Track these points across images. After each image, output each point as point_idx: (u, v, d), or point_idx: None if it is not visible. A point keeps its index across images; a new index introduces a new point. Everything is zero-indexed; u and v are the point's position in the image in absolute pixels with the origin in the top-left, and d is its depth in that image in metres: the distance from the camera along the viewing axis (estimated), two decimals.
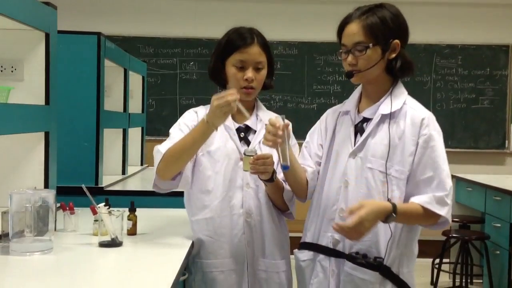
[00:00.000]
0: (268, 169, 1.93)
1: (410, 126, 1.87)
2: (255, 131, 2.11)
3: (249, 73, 2.03)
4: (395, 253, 1.86)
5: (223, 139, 2.07)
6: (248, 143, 2.09)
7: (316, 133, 2.08)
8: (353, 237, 1.77)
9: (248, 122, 2.12)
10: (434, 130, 1.87)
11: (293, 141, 2.12)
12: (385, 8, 1.88)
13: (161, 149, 1.98)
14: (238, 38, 2.05)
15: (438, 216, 1.84)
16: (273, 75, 2.15)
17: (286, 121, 1.88)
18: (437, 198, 1.83)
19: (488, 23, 6.30)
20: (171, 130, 2.09)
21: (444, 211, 1.84)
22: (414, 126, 1.86)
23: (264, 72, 2.08)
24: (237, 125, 2.11)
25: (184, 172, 2.04)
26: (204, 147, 2.05)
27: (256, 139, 2.09)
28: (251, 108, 2.16)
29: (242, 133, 2.11)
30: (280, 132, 1.84)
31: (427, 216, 1.84)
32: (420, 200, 1.83)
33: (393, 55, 1.89)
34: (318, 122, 2.11)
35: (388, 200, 1.82)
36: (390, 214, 1.76)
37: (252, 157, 1.90)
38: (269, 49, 2.10)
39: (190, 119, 2.10)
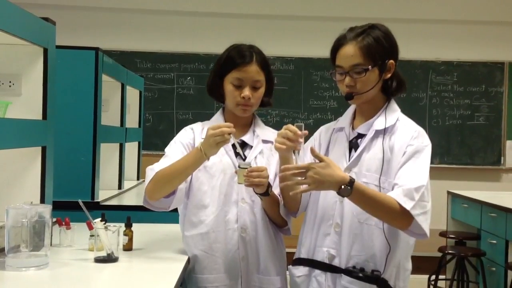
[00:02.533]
0: (263, 182, 1.92)
1: (401, 139, 1.88)
2: (251, 147, 2.12)
3: (246, 92, 2.04)
4: (392, 266, 1.86)
5: (219, 154, 2.06)
6: (243, 159, 2.09)
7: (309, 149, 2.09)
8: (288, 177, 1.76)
9: (244, 138, 2.13)
10: (423, 143, 1.87)
11: None
12: (377, 29, 1.90)
13: (155, 168, 1.99)
14: (237, 56, 2.05)
15: (407, 213, 1.74)
16: (272, 93, 2.15)
17: (305, 131, 1.88)
18: (406, 190, 1.76)
19: (484, 40, 6.36)
20: (166, 149, 2.10)
21: (410, 205, 1.73)
22: (404, 139, 1.88)
23: (261, 91, 2.08)
24: (233, 141, 2.12)
25: (178, 192, 2.03)
26: None
27: (252, 155, 2.10)
28: (249, 123, 2.17)
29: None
30: (301, 140, 1.85)
31: (393, 210, 1.74)
32: (390, 192, 1.78)
33: (388, 75, 1.92)
34: (311, 139, 2.11)
35: None
36: (345, 185, 1.71)
37: (246, 170, 1.91)
38: (268, 67, 2.10)
39: (186, 137, 2.11)
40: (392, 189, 1.81)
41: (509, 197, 4.83)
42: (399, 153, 1.86)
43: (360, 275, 1.84)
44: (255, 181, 1.91)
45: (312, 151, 1.76)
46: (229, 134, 1.87)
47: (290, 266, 2.06)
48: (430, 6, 6.34)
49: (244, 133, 2.13)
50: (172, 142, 2.12)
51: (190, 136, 2.11)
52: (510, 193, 5.25)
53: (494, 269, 4.30)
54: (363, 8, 6.19)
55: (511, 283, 3.85)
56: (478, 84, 6.37)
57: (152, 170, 2.00)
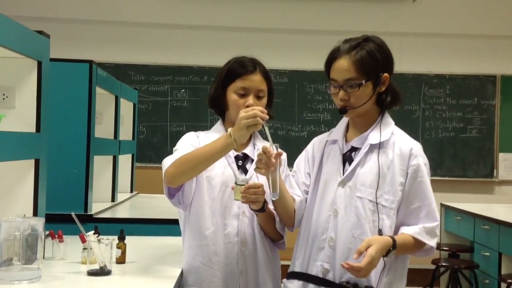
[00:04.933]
0: (259, 199, 1.92)
1: (399, 156, 1.89)
2: (253, 160, 2.09)
3: (250, 100, 2.03)
4: (386, 281, 1.86)
5: (221, 166, 2.06)
6: (245, 171, 2.09)
7: (303, 162, 2.09)
8: (363, 275, 1.77)
9: (246, 151, 2.12)
10: (423, 161, 1.91)
11: (287, 171, 2.13)
12: (371, 41, 1.90)
13: (174, 156, 1.96)
14: (241, 66, 2.06)
15: (431, 248, 1.89)
16: (272, 104, 2.15)
17: (280, 150, 1.89)
18: (427, 229, 1.87)
19: (476, 53, 6.41)
20: (177, 146, 2.06)
21: (434, 242, 1.88)
22: (403, 156, 1.89)
23: (264, 101, 2.07)
24: (235, 153, 2.11)
25: (186, 191, 2.02)
26: (204, 172, 2.04)
27: (253, 168, 2.08)
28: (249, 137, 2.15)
29: (240, 162, 2.10)
30: (273, 160, 1.85)
31: (417, 245, 1.88)
32: (411, 231, 1.86)
33: (383, 88, 1.92)
34: (304, 151, 2.12)
35: (379, 230, 1.84)
36: (390, 249, 1.79)
37: (243, 186, 1.90)
38: (270, 79, 2.11)
39: (192, 139, 2.09)
40: (397, 210, 1.87)
41: (502, 210, 4.86)
42: (399, 172, 1.87)
43: None
44: (252, 198, 1.90)
45: (356, 253, 1.75)
46: (262, 118, 1.81)
47: (284, 280, 2.05)
48: (422, 19, 6.39)
49: (245, 146, 2.13)
50: (179, 143, 2.09)
51: (195, 140, 2.09)
52: (503, 206, 5.28)
53: (487, 281, 4.30)
54: (355, 22, 6.23)
55: None
56: (471, 97, 6.41)
57: (171, 158, 1.96)
